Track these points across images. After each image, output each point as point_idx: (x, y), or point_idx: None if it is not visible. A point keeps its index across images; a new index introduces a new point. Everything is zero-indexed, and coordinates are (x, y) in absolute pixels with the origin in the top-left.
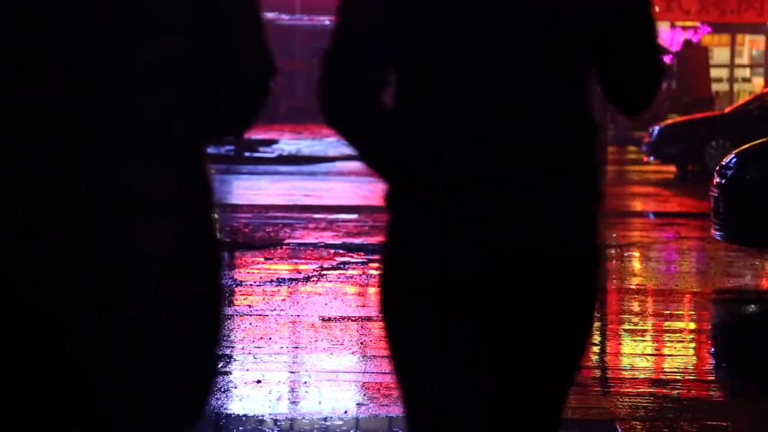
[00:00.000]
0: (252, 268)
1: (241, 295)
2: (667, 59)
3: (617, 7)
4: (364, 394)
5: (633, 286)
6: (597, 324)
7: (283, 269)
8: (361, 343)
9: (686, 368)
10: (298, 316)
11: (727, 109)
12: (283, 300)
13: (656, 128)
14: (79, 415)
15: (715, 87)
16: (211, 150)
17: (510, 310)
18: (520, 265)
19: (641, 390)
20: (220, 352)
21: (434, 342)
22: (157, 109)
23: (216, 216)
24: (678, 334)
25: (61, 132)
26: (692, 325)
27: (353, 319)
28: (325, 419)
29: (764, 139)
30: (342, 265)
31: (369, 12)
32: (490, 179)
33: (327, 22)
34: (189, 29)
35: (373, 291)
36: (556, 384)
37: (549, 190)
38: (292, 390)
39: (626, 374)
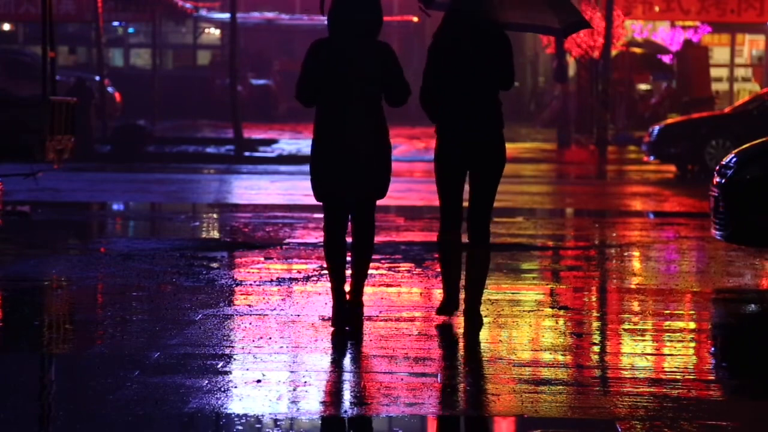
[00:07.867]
0: (252, 268)
1: (241, 295)
2: (667, 59)
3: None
4: (364, 394)
5: (633, 286)
6: (597, 324)
7: (283, 269)
8: (361, 343)
9: (686, 368)
10: (298, 316)
11: (727, 109)
12: (283, 300)
13: (656, 128)
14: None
15: (715, 87)
16: (211, 150)
17: (477, 160)
18: (479, 146)
19: (641, 390)
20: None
21: (450, 169)
22: (374, 103)
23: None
24: (678, 334)
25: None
26: (692, 325)
27: None
28: (325, 419)
29: (764, 139)
30: None
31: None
32: (466, 125)
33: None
34: (380, 79)
35: (371, 291)
36: (493, 187)
37: (490, 122)
38: (292, 390)
39: (626, 374)
